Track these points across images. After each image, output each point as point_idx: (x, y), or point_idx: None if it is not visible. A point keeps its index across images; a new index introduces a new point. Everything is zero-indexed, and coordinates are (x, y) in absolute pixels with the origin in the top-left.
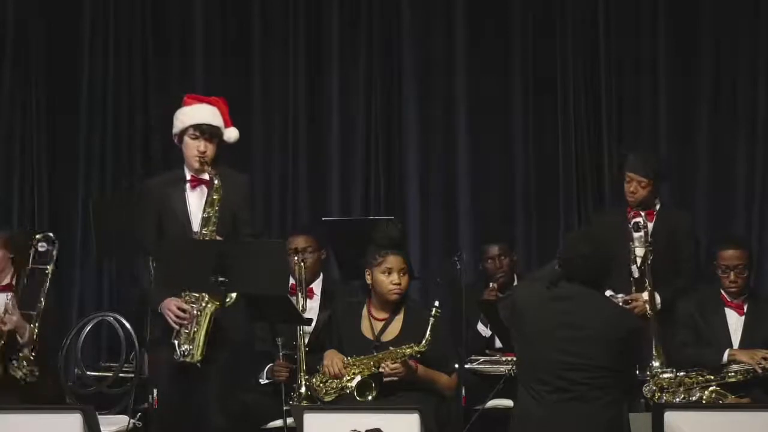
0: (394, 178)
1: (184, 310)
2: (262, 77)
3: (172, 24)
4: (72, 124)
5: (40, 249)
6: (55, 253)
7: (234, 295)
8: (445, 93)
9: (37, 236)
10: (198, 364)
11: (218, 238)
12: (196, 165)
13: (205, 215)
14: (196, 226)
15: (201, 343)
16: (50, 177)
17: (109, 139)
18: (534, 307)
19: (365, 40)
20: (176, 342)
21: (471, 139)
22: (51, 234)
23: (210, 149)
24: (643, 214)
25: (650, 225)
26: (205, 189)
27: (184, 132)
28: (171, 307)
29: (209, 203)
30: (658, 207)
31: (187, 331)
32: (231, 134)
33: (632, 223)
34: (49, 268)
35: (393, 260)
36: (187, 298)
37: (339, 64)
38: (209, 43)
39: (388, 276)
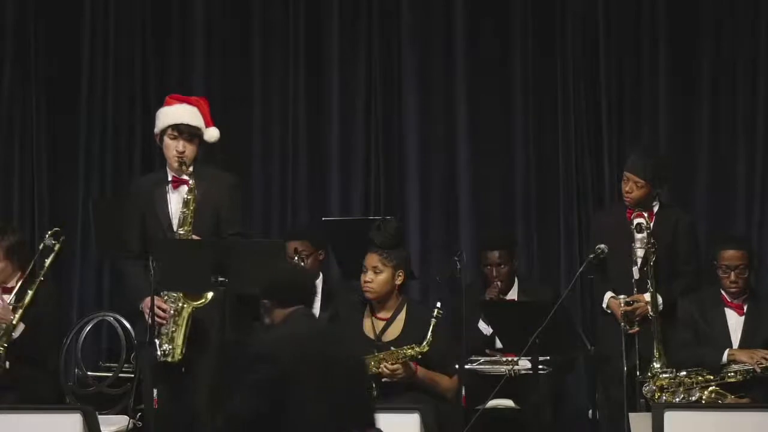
0: (394, 178)
1: (163, 309)
2: (262, 77)
3: (172, 24)
4: (72, 124)
5: (46, 243)
6: (56, 247)
7: (209, 295)
8: (445, 93)
9: (48, 233)
10: (182, 367)
11: (194, 237)
12: (176, 165)
13: (181, 215)
14: (176, 226)
15: (180, 343)
16: (50, 177)
17: (109, 139)
18: None
19: (365, 40)
20: (157, 342)
21: (471, 138)
22: (58, 229)
23: (189, 149)
24: (645, 214)
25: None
26: (186, 189)
27: (163, 132)
28: (150, 305)
29: (185, 203)
30: (656, 208)
31: (166, 330)
32: (211, 134)
33: (635, 224)
34: (47, 261)
35: (367, 258)
36: (165, 297)
37: (339, 64)
38: (209, 43)
39: (364, 274)
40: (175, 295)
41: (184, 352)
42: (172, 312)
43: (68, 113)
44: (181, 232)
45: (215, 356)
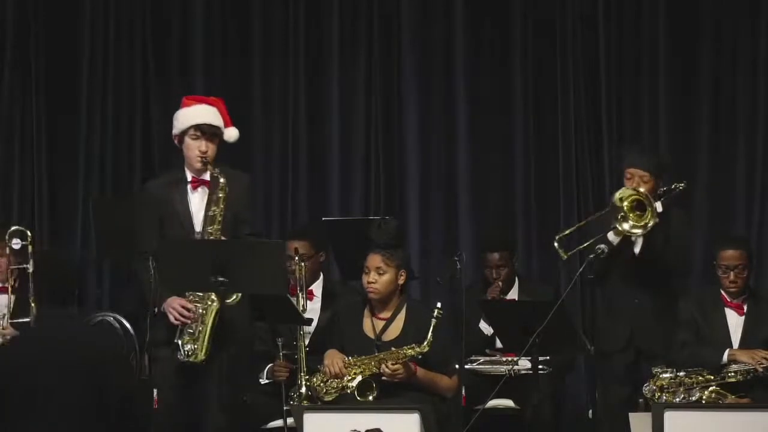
0: (394, 178)
1: (188, 309)
2: (262, 77)
3: (172, 24)
4: (72, 124)
5: (14, 246)
6: (30, 248)
7: (240, 293)
8: (445, 93)
9: (10, 231)
10: (202, 364)
11: (222, 237)
12: (198, 165)
13: (210, 213)
14: (198, 226)
15: (206, 343)
16: (50, 177)
17: (109, 139)
18: None
19: (365, 40)
20: (179, 342)
21: (471, 139)
22: (22, 228)
23: (211, 149)
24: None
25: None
26: (206, 189)
27: (184, 133)
28: (174, 305)
29: (214, 201)
30: (659, 209)
31: (191, 330)
32: (231, 134)
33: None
34: (30, 267)
35: (369, 259)
36: (191, 297)
37: (339, 64)
38: (209, 43)
39: (366, 275)
40: (201, 294)
41: (209, 352)
42: (200, 311)
43: (68, 113)
44: (210, 230)
45: (234, 353)
